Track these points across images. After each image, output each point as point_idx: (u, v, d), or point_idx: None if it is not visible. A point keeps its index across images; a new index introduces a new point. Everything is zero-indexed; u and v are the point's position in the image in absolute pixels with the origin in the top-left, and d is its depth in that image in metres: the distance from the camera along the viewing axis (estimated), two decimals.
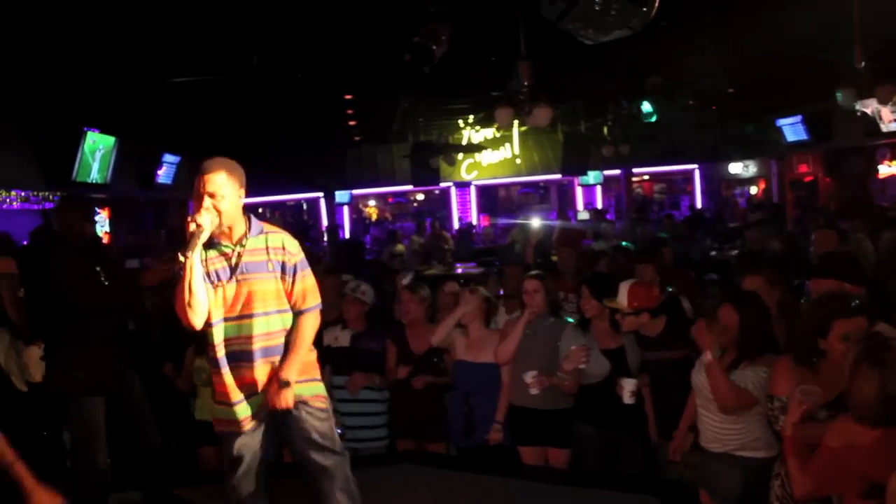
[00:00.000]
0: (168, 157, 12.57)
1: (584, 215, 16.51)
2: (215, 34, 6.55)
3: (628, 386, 4.21)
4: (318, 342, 3.73)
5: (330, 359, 5.01)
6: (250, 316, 3.31)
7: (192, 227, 3.10)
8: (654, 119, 9.48)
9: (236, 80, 8.08)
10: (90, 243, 4.59)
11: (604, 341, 4.42)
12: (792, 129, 13.81)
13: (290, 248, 3.36)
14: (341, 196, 17.56)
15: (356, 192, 18.17)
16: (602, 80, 9.08)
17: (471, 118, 13.91)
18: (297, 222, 20.26)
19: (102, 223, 12.10)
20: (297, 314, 3.41)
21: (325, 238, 16.60)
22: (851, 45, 6.70)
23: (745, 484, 3.60)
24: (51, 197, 9.57)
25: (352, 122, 11.56)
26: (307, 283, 3.40)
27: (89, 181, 9.84)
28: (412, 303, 5.10)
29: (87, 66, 7.20)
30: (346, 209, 18.28)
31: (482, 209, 18.63)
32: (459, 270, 10.60)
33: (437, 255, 13.29)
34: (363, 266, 8.98)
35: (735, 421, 3.62)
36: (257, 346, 3.32)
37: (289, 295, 3.37)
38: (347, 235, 17.01)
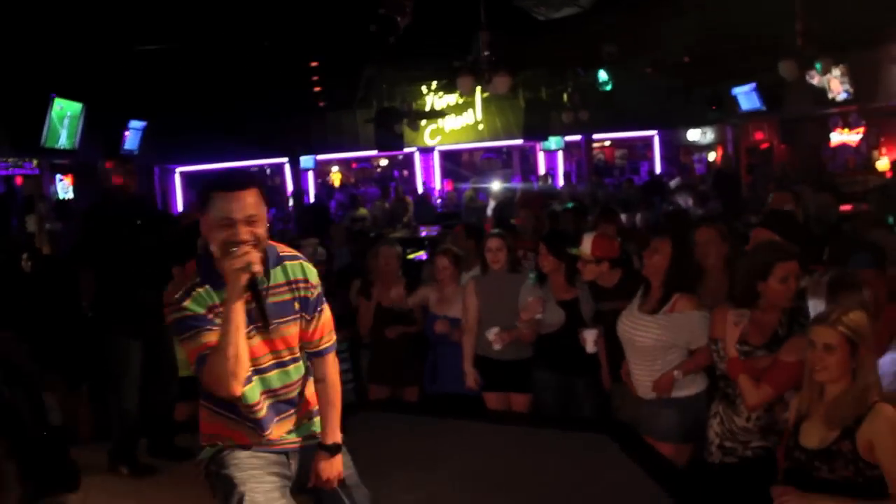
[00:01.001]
0: (134, 123, 12.63)
1: (544, 180, 16.92)
2: (183, 3, 6.69)
3: (590, 336, 4.56)
4: None
5: None
6: (276, 367, 2.67)
7: (240, 264, 2.37)
8: (609, 87, 9.79)
9: (203, 48, 8.23)
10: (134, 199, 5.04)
11: (559, 293, 4.79)
12: (746, 97, 14.22)
13: (311, 277, 2.67)
14: (306, 161, 17.69)
15: (320, 157, 18.30)
16: (561, 48, 9.34)
17: (434, 84, 14.12)
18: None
19: (66, 189, 12.19)
20: (320, 354, 2.76)
21: (291, 203, 16.80)
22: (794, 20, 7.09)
23: (681, 421, 4.00)
24: (20, 163, 9.65)
25: (317, 89, 11.71)
26: (327, 314, 2.75)
27: (58, 147, 9.93)
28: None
29: (53, 33, 7.29)
30: (310, 174, 18.44)
31: (446, 174, 18.91)
32: (423, 233, 10.92)
33: (401, 218, 13.65)
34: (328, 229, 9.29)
35: (660, 367, 4.02)
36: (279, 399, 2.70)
37: (310, 334, 2.70)
38: (312, 200, 17.21)
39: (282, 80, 10.86)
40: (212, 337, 2.44)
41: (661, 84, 12.93)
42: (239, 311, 2.41)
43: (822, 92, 11.70)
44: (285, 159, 17.67)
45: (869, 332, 2.72)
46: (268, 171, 20.69)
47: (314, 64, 9.42)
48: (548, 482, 4.06)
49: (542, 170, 18.52)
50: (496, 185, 13.48)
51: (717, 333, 3.61)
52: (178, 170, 17.70)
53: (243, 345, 2.43)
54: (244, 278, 2.39)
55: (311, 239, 7.14)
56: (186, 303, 2.48)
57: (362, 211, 14.57)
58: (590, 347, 4.62)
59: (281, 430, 2.71)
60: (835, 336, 2.70)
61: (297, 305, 2.63)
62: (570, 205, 7.72)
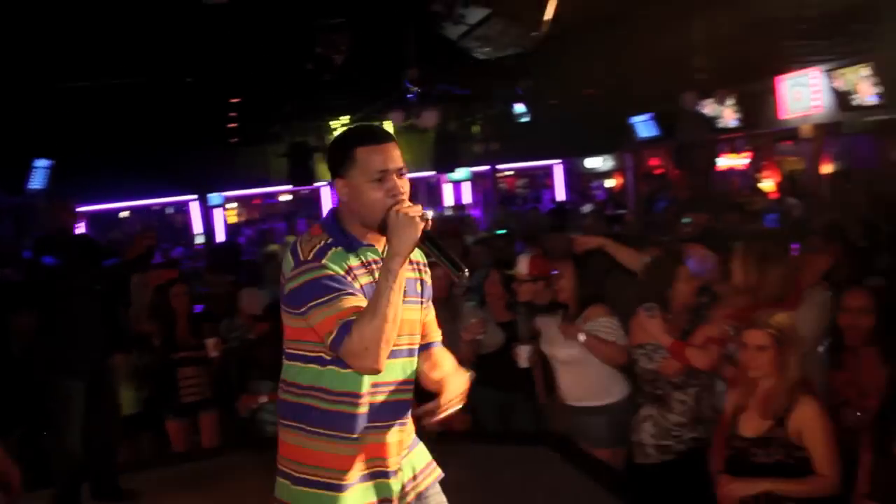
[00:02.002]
0: (40, 162, 12.28)
1: (450, 210, 17.27)
2: (98, 40, 6.65)
3: (523, 352, 4.84)
4: None
5: None
6: (405, 353, 2.36)
7: (416, 212, 2.13)
8: (527, 119, 10.23)
9: (113, 85, 8.16)
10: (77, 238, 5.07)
11: (499, 316, 5.06)
12: (644, 125, 14.98)
13: (424, 260, 2.45)
14: (214, 199, 17.48)
15: (228, 193, 18.11)
16: (475, 82, 9.72)
17: (345, 119, 14.27)
18: (164, 226, 19.94)
19: None
20: (434, 346, 2.58)
21: (203, 242, 16.54)
22: (693, 56, 7.69)
23: (611, 426, 4.33)
24: None
25: (232, 125, 11.71)
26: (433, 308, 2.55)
27: None
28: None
29: None
30: (219, 212, 18.20)
31: None
32: None
33: None
34: (240, 267, 9.25)
35: (587, 376, 4.36)
36: (399, 398, 2.38)
37: (426, 324, 2.49)
38: (223, 238, 16.99)
39: (194, 117, 10.81)
40: (357, 301, 2.14)
41: (565, 115, 13.48)
42: (402, 271, 2.12)
43: (713, 119, 12.47)
44: (194, 196, 17.43)
45: (793, 332, 3.10)
46: (169, 210, 20.27)
47: (235, 100, 9.47)
48: (494, 496, 4.28)
49: (447, 201, 18.87)
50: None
51: (639, 339, 3.96)
52: (80, 209, 17.15)
53: (402, 309, 2.15)
54: (420, 229, 2.11)
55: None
56: (325, 260, 2.17)
57: (273, 247, 14.49)
58: (522, 362, 4.90)
59: (397, 448, 2.35)
60: (765, 338, 3.07)
61: (419, 287, 2.41)
62: (503, 231, 8.05)
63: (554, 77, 9.40)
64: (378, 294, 2.11)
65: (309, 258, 2.18)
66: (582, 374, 4.40)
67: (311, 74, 6.09)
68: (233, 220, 20.87)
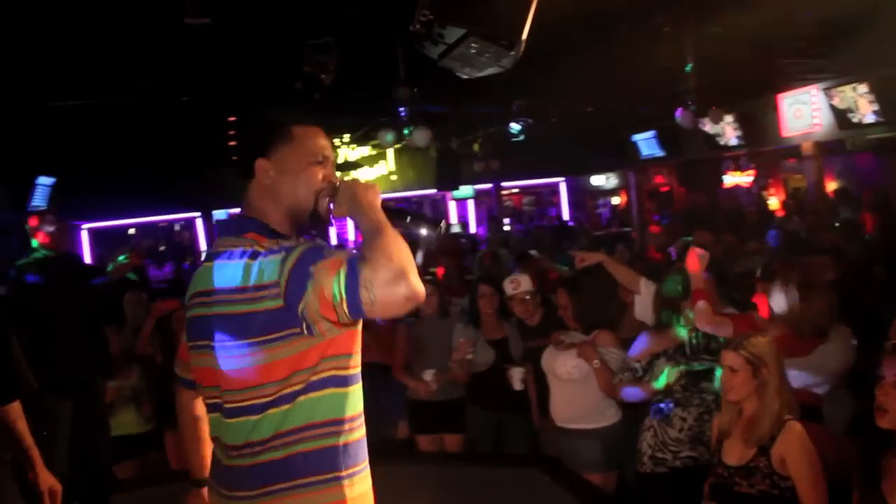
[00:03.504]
0: (42, 179, 12.35)
1: (456, 228, 17.24)
2: (97, 58, 6.71)
3: (517, 374, 4.80)
4: None
5: None
6: None
7: (367, 182, 2.02)
8: (521, 138, 10.22)
9: (118, 104, 8.22)
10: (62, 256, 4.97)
11: (490, 333, 5.02)
12: (646, 143, 14.96)
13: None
14: (219, 215, 17.53)
15: (234, 211, 18.15)
16: (473, 102, 9.71)
17: (346, 137, 14.31)
18: (172, 243, 20.04)
19: None
20: None
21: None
22: (688, 74, 7.68)
23: (602, 450, 4.27)
24: None
25: (232, 143, 11.76)
26: None
27: None
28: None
29: None
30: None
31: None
32: None
33: None
34: None
35: (583, 396, 4.30)
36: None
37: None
38: None
39: (196, 135, 10.87)
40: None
41: (567, 133, 13.48)
42: None
43: (714, 137, 12.44)
44: (198, 214, 17.48)
45: (771, 355, 3.03)
46: (177, 227, 20.37)
47: (232, 119, 9.50)
48: None
49: (452, 218, 18.87)
50: (423, 233, 13.72)
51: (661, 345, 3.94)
52: (85, 226, 17.29)
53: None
54: (378, 192, 1.94)
55: None
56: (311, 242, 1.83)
57: None
58: (516, 385, 4.85)
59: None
60: (737, 359, 3.02)
61: None
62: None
63: (553, 94, 9.38)
64: (373, 222, 1.82)
65: (275, 247, 1.82)
66: (579, 393, 4.35)
67: (301, 93, 6.09)
68: None
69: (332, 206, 1.98)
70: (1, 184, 11.04)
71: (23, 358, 2.98)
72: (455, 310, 5.89)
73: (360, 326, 1.91)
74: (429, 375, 4.98)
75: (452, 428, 5.12)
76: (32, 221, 4.89)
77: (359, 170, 16.56)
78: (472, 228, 18.17)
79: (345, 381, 1.88)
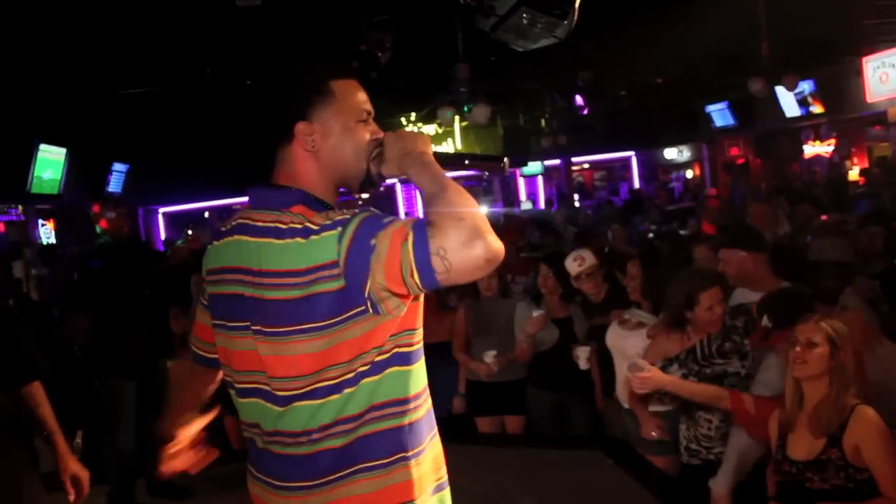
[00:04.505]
0: (117, 166, 12.71)
1: (526, 205, 17.10)
2: (164, 45, 6.82)
3: (583, 353, 4.67)
4: None
5: None
6: None
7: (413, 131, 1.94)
8: (586, 112, 10.00)
9: (185, 90, 8.36)
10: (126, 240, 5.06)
11: (554, 312, 4.90)
12: (720, 114, 14.52)
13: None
14: None
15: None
16: (537, 75, 9.55)
17: (413, 116, 14.29)
18: None
19: (48, 234, 12.23)
20: None
21: None
22: (761, 39, 7.34)
23: (669, 432, 4.11)
24: (5, 209, 9.72)
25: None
26: None
27: (44, 192, 10.01)
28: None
29: (38, 79, 7.40)
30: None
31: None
32: None
33: None
34: None
35: None
36: None
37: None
38: None
39: (263, 117, 10.96)
40: None
41: (636, 106, 13.17)
42: None
43: (792, 106, 11.97)
44: None
45: (849, 338, 2.82)
46: None
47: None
48: (546, 501, 4.15)
49: (522, 195, 18.72)
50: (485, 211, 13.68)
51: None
52: (161, 210, 17.77)
53: None
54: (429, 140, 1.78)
55: None
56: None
57: None
58: (583, 364, 4.72)
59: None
60: (818, 333, 2.79)
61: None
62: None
63: (620, 67, 9.14)
64: (431, 176, 1.67)
65: (328, 222, 1.61)
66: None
67: (361, 74, 6.03)
68: None
69: (380, 165, 1.79)
70: (78, 171, 11.38)
71: (31, 339, 2.97)
72: (518, 289, 5.79)
73: (422, 298, 1.72)
74: (490, 357, 4.88)
75: (513, 409, 5.02)
76: (95, 208, 4.97)
77: None
78: (542, 205, 17.98)
79: (409, 358, 1.72)
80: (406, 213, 18.36)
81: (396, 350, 1.69)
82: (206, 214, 19.48)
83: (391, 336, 1.68)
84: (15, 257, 10.08)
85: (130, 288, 4.73)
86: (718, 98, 13.94)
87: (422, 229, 1.50)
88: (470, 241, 1.47)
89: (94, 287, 4.79)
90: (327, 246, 1.58)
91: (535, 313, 4.76)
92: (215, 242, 1.85)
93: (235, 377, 1.82)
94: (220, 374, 2.03)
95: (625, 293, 4.65)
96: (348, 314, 1.60)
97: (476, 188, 21.41)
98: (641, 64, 9.47)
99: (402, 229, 1.52)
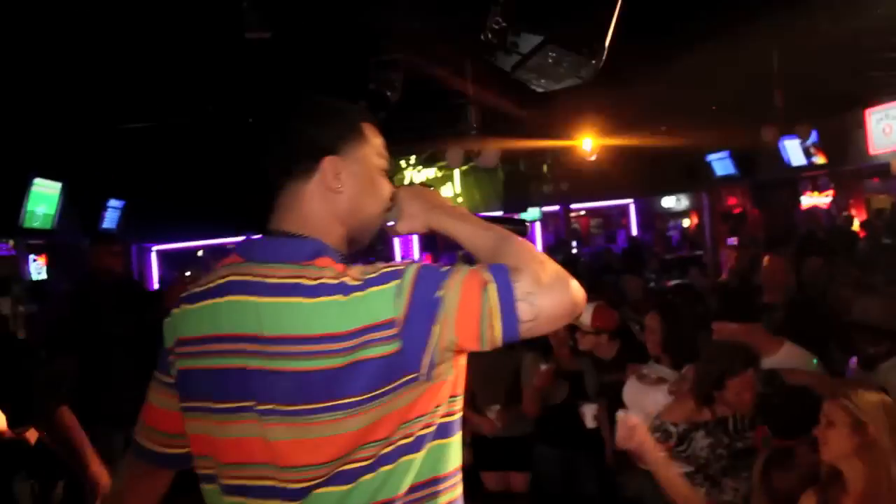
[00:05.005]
0: (113, 202, 12.52)
1: None
2: (165, 80, 6.71)
3: (589, 411, 4.47)
4: None
5: None
6: None
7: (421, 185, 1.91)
8: (592, 158, 9.88)
9: (186, 126, 8.23)
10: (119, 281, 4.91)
11: (563, 365, 4.71)
12: (721, 163, 14.46)
13: None
14: None
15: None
16: (542, 120, 9.47)
17: (412, 159, 14.20)
18: None
19: (39, 270, 11.98)
20: None
21: None
22: (772, 90, 7.27)
23: None
24: None
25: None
26: None
27: (36, 227, 9.81)
28: None
29: (36, 113, 7.27)
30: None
31: (424, 247, 18.85)
32: None
33: None
34: None
35: None
36: None
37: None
38: None
39: (262, 156, 10.85)
40: None
41: (637, 153, 13.11)
42: None
43: (797, 155, 11.90)
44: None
45: (881, 414, 2.58)
46: None
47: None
48: None
49: None
50: None
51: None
52: (155, 248, 17.56)
53: None
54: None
55: None
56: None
57: None
58: (589, 422, 4.52)
59: None
60: (838, 411, 2.57)
61: None
62: None
63: (625, 114, 9.07)
64: (476, 226, 1.57)
65: (398, 262, 1.44)
66: None
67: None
68: None
69: (398, 222, 1.64)
70: (73, 206, 11.19)
71: (42, 376, 2.85)
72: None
73: (464, 361, 1.51)
74: (493, 412, 4.68)
75: (519, 466, 4.81)
76: (93, 246, 4.81)
77: None
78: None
79: (449, 430, 1.50)
80: (402, 256, 18.18)
81: (441, 420, 1.47)
82: (200, 253, 19.30)
83: (440, 404, 1.46)
84: (3, 293, 9.84)
85: (119, 330, 4.53)
86: (720, 147, 13.89)
87: (504, 273, 1.34)
88: (559, 284, 1.35)
89: (81, 328, 4.59)
90: (380, 303, 1.35)
91: (543, 367, 4.57)
92: (188, 306, 1.55)
93: (223, 471, 1.49)
94: (169, 478, 1.74)
95: (640, 347, 4.46)
96: (396, 383, 1.36)
97: (488, 215, 21.24)
98: (643, 110, 9.41)
99: (477, 275, 1.35)
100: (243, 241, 1.59)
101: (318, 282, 1.40)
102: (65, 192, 10.38)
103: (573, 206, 18.69)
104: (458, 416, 1.54)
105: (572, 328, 4.66)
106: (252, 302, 1.44)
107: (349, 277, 1.40)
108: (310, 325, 1.37)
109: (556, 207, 17.89)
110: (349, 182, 1.55)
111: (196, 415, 1.52)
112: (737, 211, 17.20)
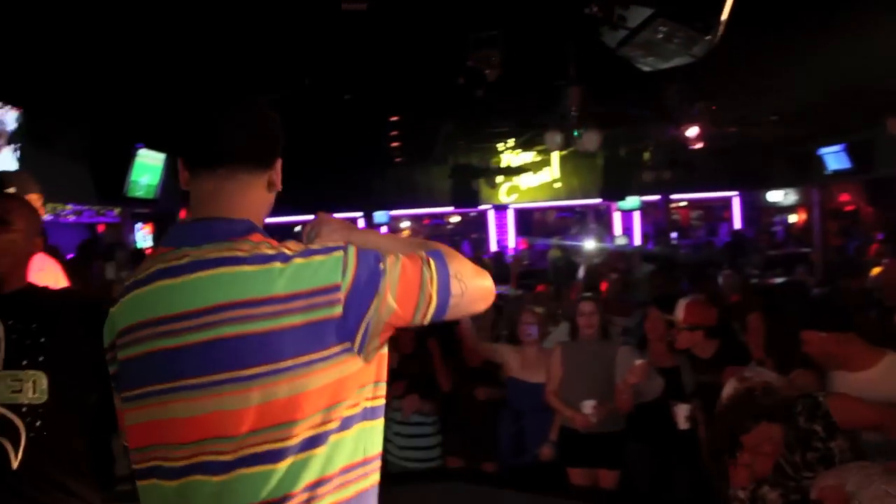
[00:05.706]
0: None
1: (621, 240, 16.51)
2: (265, 54, 6.72)
3: (682, 411, 4.24)
4: None
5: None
6: None
7: None
8: (700, 145, 9.44)
9: (283, 100, 8.26)
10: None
11: (660, 360, 4.48)
12: (835, 157, 13.69)
13: None
14: (379, 217, 17.71)
15: (394, 212, 18.34)
16: (646, 105, 9.12)
17: (511, 142, 13.99)
18: None
19: (145, 238, 12.35)
20: None
21: None
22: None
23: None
24: (103, 211, 9.82)
25: (395, 144, 11.72)
26: None
27: (140, 196, 10.09)
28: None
29: (142, 83, 7.42)
30: (383, 230, 18.41)
31: (519, 232, 18.66)
32: (497, 292, 10.69)
33: None
34: None
35: None
36: None
37: None
38: None
39: (359, 134, 10.87)
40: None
41: (744, 142, 12.52)
42: None
43: None
44: (359, 214, 17.75)
45: None
46: None
47: (394, 118, 9.38)
48: None
49: (617, 230, 18.14)
50: (589, 245, 13.18)
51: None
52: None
53: None
54: None
55: None
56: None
57: None
58: (682, 424, 4.29)
59: None
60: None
61: None
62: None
63: (733, 100, 8.62)
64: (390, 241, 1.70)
65: (317, 247, 1.49)
66: None
67: (466, 92, 5.75)
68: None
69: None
70: (175, 178, 11.47)
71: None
72: (615, 330, 5.37)
73: (386, 349, 1.57)
74: (588, 408, 4.48)
75: (609, 463, 4.60)
76: (182, 213, 4.81)
77: (520, 176, 16.20)
78: (637, 241, 17.36)
79: (375, 413, 1.55)
80: (497, 241, 18.03)
81: (369, 404, 1.52)
82: (297, 229, 19.66)
83: (368, 386, 1.51)
84: (109, 258, 10.18)
85: None
86: (834, 139, 13.13)
87: (438, 253, 1.53)
88: (478, 270, 1.56)
89: None
90: (326, 269, 1.43)
91: (638, 361, 4.36)
92: (120, 301, 1.57)
93: (170, 453, 1.45)
94: None
95: (741, 348, 4.19)
96: (331, 351, 1.42)
97: (569, 219, 20.93)
98: (754, 97, 8.94)
99: (415, 255, 1.51)
100: (172, 229, 1.60)
101: (255, 252, 1.46)
102: (168, 164, 10.64)
103: (673, 196, 18.12)
104: (383, 402, 1.57)
105: (669, 323, 4.43)
106: (184, 282, 1.46)
107: (287, 249, 1.47)
108: (251, 289, 1.41)
109: (657, 197, 17.36)
110: (278, 183, 1.70)
111: (137, 403, 1.50)
112: (848, 209, 16.34)
